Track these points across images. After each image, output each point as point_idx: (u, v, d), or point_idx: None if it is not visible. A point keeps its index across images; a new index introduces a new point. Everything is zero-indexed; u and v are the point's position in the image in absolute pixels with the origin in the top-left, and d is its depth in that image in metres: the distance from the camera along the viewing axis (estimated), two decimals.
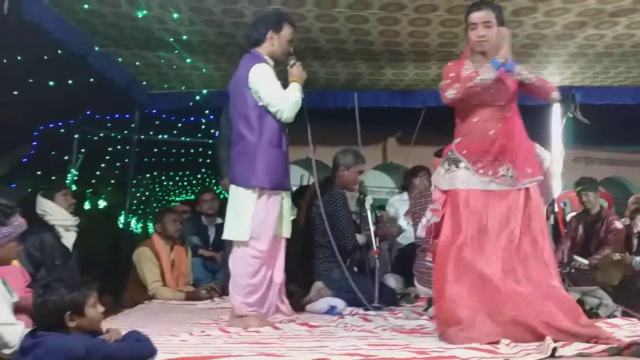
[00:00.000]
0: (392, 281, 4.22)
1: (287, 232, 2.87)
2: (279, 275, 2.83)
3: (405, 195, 4.61)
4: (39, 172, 5.88)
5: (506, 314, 2.18)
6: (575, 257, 3.75)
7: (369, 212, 3.46)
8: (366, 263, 3.47)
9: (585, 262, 3.66)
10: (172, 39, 4.12)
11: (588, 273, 3.60)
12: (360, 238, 3.66)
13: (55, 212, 3.25)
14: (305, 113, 2.90)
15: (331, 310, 3.18)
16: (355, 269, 3.99)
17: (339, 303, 3.24)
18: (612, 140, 9.74)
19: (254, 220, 2.68)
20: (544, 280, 2.27)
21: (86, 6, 3.77)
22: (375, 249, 3.32)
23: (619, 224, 4.30)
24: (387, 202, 4.97)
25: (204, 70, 4.77)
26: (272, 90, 2.71)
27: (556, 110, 6.22)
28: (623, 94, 5.67)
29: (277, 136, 2.75)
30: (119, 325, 2.63)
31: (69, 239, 3.27)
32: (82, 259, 3.74)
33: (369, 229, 3.44)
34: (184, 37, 4.18)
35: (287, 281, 3.94)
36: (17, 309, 2.32)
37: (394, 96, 5.84)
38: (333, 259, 3.49)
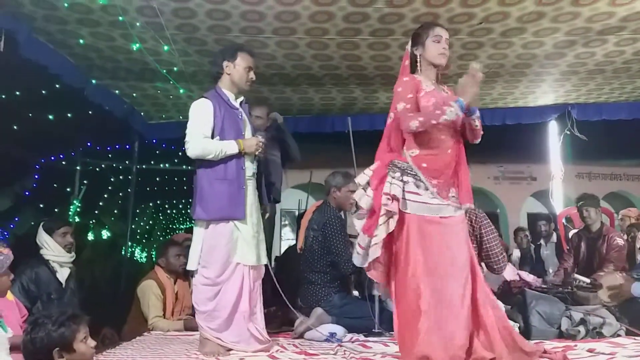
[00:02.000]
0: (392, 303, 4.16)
1: (250, 259, 2.83)
2: (245, 304, 2.79)
3: None
4: (41, 205, 5.90)
5: None
6: (576, 275, 3.70)
7: None
8: (365, 287, 3.42)
9: (587, 280, 3.61)
10: (164, 70, 4.17)
11: (590, 291, 3.55)
12: None
13: (51, 248, 3.23)
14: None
15: (330, 337, 3.13)
16: (357, 293, 3.96)
17: (339, 329, 3.20)
18: (613, 154, 9.73)
19: (202, 249, 2.78)
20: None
21: (81, 41, 3.85)
22: None
23: (620, 240, 4.25)
24: None
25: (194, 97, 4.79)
26: (191, 124, 2.78)
27: (553, 127, 6.25)
28: (618, 109, 5.70)
29: (220, 168, 2.78)
30: (117, 359, 2.62)
31: (62, 274, 3.25)
32: (82, 292, 3.70)
33: None
34: (175, 69, 4.25)
35: (287, 308, 3.95)
36: (13, 346, 2.30)
37: None
38: (332, 285, 3.47)
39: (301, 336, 3.25)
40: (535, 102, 5.63)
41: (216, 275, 2.78)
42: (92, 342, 1.91)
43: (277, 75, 4.54)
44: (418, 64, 2.47)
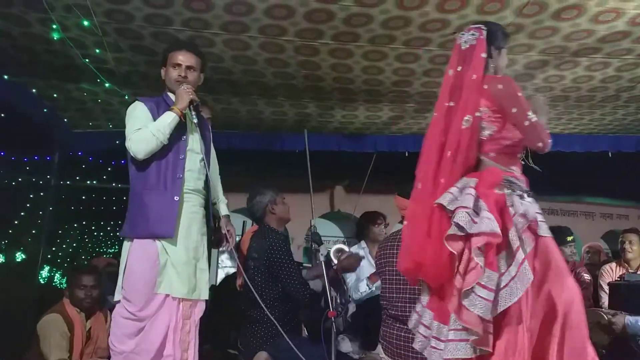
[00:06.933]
0: (347, 344, 3.66)
1: (178, 290, 2.36)
2: (169, 347, 2.31)
3: (363, 244, 4.13)
4: None
5: None
6: None
7: (323, 263, 2.93)
8: (320, 326, 2.90)
9: None
10: (86, 60, 3.57)
11: None
12: (314, 284, 3.11)
13: None
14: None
15: None
16: (306, 332, 3.45)
17: None
18: (551, 189, 9.83)
19: (127, 276, 2.34)
20: None
21: None
22: (331, 309, 2.77)
23: (587, 276, 4.00)
24: None
25: (126, 97, 4.19)
26: (128, 127, 2.44)
27: None
28: (572, 141, 5.62)
29: (152, 176, 2.40)
30: None
31: None
32: None
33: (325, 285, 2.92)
34: (86, 58, 3.63)
35: (224, 348, 3.38)
36: None
37: (344, 139, 5.50)
38: (280, 322, 2.94)
39: None
40: None
41: (138, 308, 2.30)
42: None
43: (223, 81, 4.04)
44: (490, 69, 2.06)
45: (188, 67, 2.51)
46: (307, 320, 3.35)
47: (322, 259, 2.84)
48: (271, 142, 5.32)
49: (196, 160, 2.50)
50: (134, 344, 2.29)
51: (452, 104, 2.01)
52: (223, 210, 2.72)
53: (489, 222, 1.82)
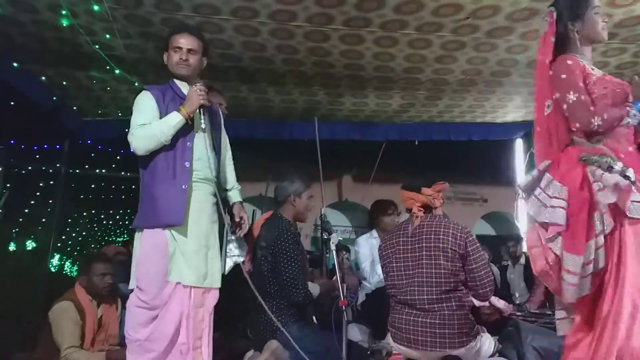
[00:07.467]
0: (357, 332, 3.65)
1: (188, 278, 2.35)
2: (183, 335, 2.31)
3: (375, 233, 4.11)
4: None
5: None
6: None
7: (334, 252, 2.91)
8: (332, 314, 2.88)
9: None
10: (97, 46, 3.54)
11: None
12: (313, 288, 3.10)
13: None
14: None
15: None
16: (315, 320, 3.44)
17: None
18: None
19: (138, 265, 2.34)
20: None
21: None
22: (342, 298, 2.75)
23: None
24: (356, 242, 4.44)
25: (135, 84, 4.16)
26: (133, 118, 2.42)
27: (519, 146, 6.04)
28: None
29: (161, 166, 2.37)
30: None
31: None
32: None
33: (335, 274, 2.89)
34: (97, 49, 3.60)
35: (234, 336, 3.38)
36: None
37: (353, 128, 5.46)
38: (290, 312, 2.93)
39: None
40: (503, 117, 5.38)
41: (150, 296, 2.30)
42: None
43: (233, 68, 4.01)
44: (577, 41, 2.10)
45: (189, 50, 2.45)
46: (317, 309, 3.34)
47: (332, 247, 2.81)
48: (280, 131, 5.29)
49: (205, 148, 2.46)
50: (148, 332, 2.29)
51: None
52: (235, 197, 2.69)
53: (555, 211, 1.84)
